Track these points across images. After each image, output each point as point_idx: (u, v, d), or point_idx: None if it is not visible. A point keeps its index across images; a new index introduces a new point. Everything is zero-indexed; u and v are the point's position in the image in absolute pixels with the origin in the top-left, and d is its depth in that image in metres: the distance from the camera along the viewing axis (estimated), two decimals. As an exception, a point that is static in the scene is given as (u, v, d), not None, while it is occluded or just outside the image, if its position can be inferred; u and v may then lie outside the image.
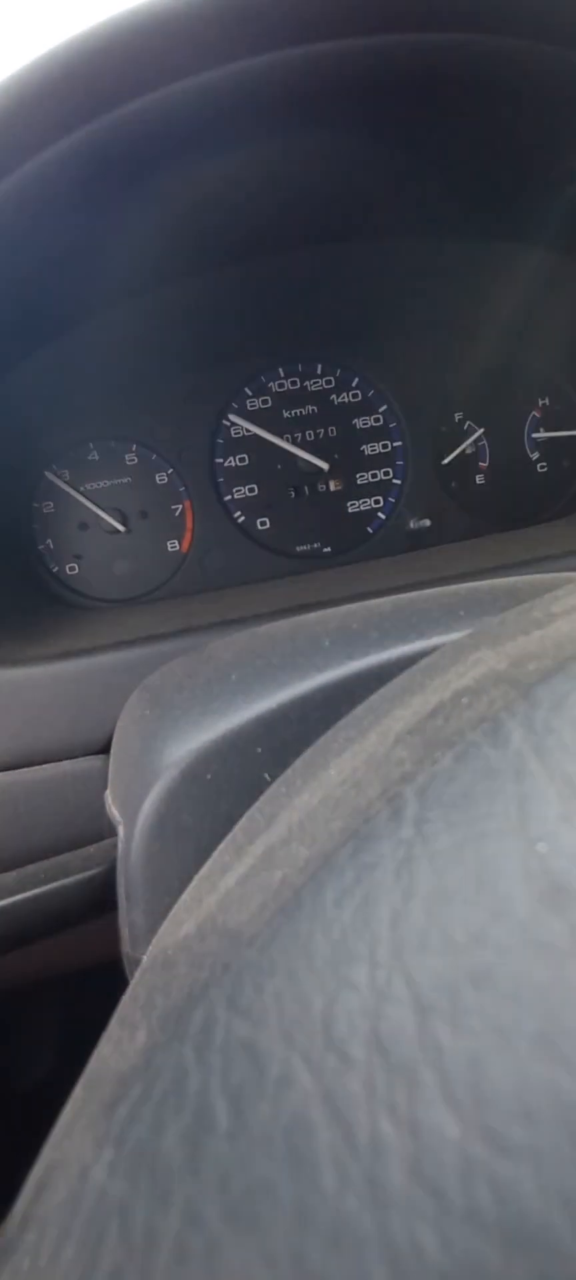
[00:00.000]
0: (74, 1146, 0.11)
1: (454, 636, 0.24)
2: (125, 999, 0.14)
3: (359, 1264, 0.07)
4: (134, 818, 0.25)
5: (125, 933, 0.25)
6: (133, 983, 0.15)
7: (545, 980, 0.08)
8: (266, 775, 0.24)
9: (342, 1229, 0.07)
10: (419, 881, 0.10)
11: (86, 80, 0.35)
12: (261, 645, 0.28)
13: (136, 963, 0.24)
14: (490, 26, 0.37)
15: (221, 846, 0.18)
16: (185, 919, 0.15)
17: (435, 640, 0.24)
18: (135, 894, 0.24)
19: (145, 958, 0.16)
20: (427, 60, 0.39)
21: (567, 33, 0.38)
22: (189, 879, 0.18)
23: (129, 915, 0.25)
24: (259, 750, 0.24)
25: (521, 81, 0.40)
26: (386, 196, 0.54)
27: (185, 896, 0.17)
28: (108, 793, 0.31)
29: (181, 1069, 0.10)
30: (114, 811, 0.28)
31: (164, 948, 0.15)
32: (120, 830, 0.26)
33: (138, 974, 0.15)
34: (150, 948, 0.17)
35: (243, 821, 0.18)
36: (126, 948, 0.25)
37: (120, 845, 0.25)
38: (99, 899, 0.27)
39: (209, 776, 0.24)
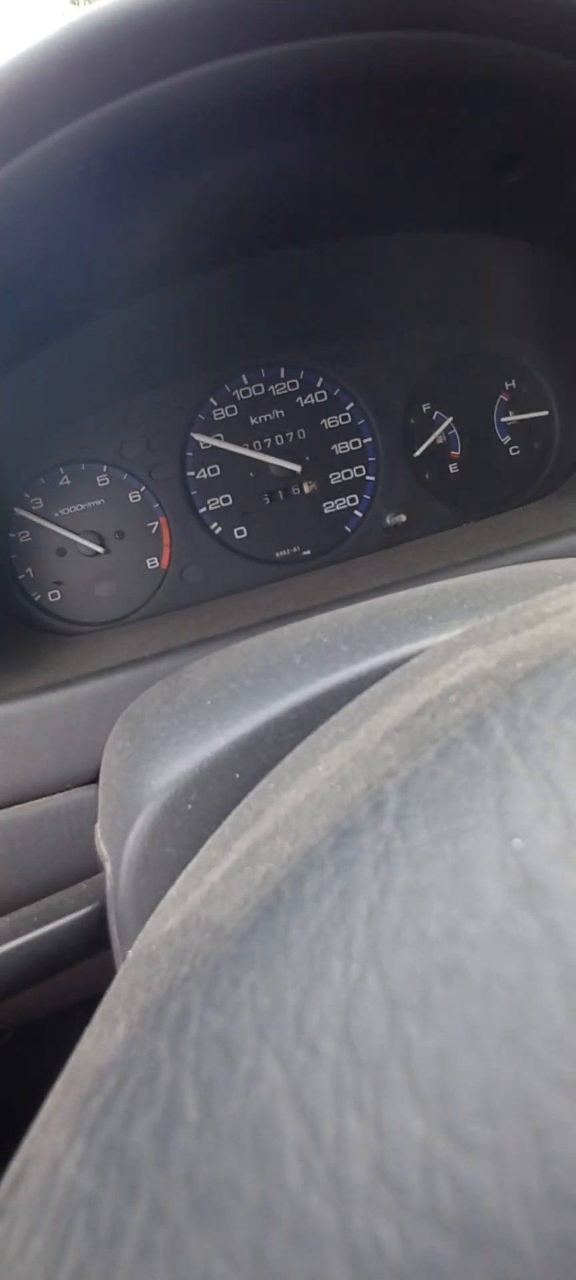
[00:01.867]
0: (49, 1139, 0.11)
1: (422, 644, 0.25)
2: (109, 994, 0.14)
3: (319, 1261, 0.07)
4: (120, 853, 0.25)
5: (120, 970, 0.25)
6: (117, 978, 0.15)
7: (514, 976, 0.08)
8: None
9: (304, 1226, 0.07)
10: (396, 876, 0.10)
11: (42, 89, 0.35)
12: (236, 667, 0.28)
13: None
14: (468, 26, 0.37)
15: (209, 842, 0.18)
16: (170, 914, 0.15)
17: (404, 649, 0.25)
18: (126, 930, 0.25)
19: (131, 952, 0.16)
20: (386, 61, 0.39)
21: (533, 32, 0.38)
22: None
23: (122, 952, 0.25)
24: (237, 775, 0.24)
25: (478, 78, 0.41)
26: (342, 197, 0.54)
27: (172, 892, 0.17)
28: (97, 827, 0.31)
29: (155, 1062, 0.10)
30: (102, 847, 0.28)
31: (148, 943, 0.15)
32: (107, 867, 0.26)
33: (122, 968, 0.15)
34: (136, 943, 0.17)
35: (231, 817, 0.18)
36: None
37: (108, 882, 0.26)
38: (94, 936, 0.27)
39: (190, 806, 0.24)
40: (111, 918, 0.25)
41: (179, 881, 0.18)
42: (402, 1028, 0.08)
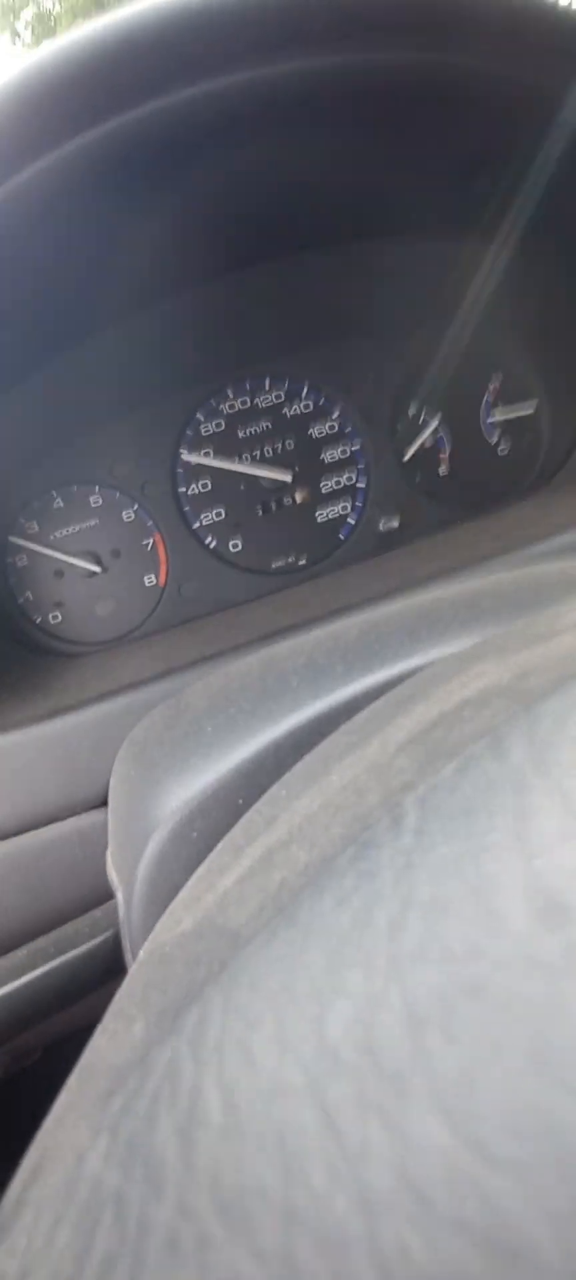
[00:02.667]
0: (68, 1133, 0.11)
1: (417, 661, 0.25)
2: (121, 993, 0.14)
3: (346, 1263, 0.07)
4: (131, 882, 0.26)
5: None
6: (128, 977, 0.15)
7: (538, 996, 0.08)
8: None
9: (331, 1229, 0.07)
10: (417, 891, 0.10)
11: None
12: (234, 690, 0.29)
13: None
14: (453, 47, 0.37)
15: (220, 846, 0.18)
16: (183, 916, 0.16)
17: (399, 667, 0.25)
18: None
19: (142, 952, 0.16)
20: (379, 73, 0.39)
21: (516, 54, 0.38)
22: None
23: None
24: (240, 801, 0.25)
25: (458, 92, 0.41)
26: (324, 208, 0.54)
27: (183, 894, 0.17)
28: (108, 857, 0.32)
29: (176, 1064, 0.10)
30: (113, 876, 0.29)
31: (161, 944, 0.15)
32: (119, 895, 0.27)
33: (134, 968, 0.15)
34: (147, 943, 0.17)
35: (242, 822, 0.18)
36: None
37: (120, 910, 0.26)
38: (109, 964, 0.28)
39: (195, 834, 0.25)
40: (125, 944, 0.26)
41: (190, 884, 0.18)
42: (425, 1041, 0.08)
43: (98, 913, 0.29)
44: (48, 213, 0.40)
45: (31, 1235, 0.10)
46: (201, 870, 0.18)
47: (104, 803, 0.45)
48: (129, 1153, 0.10)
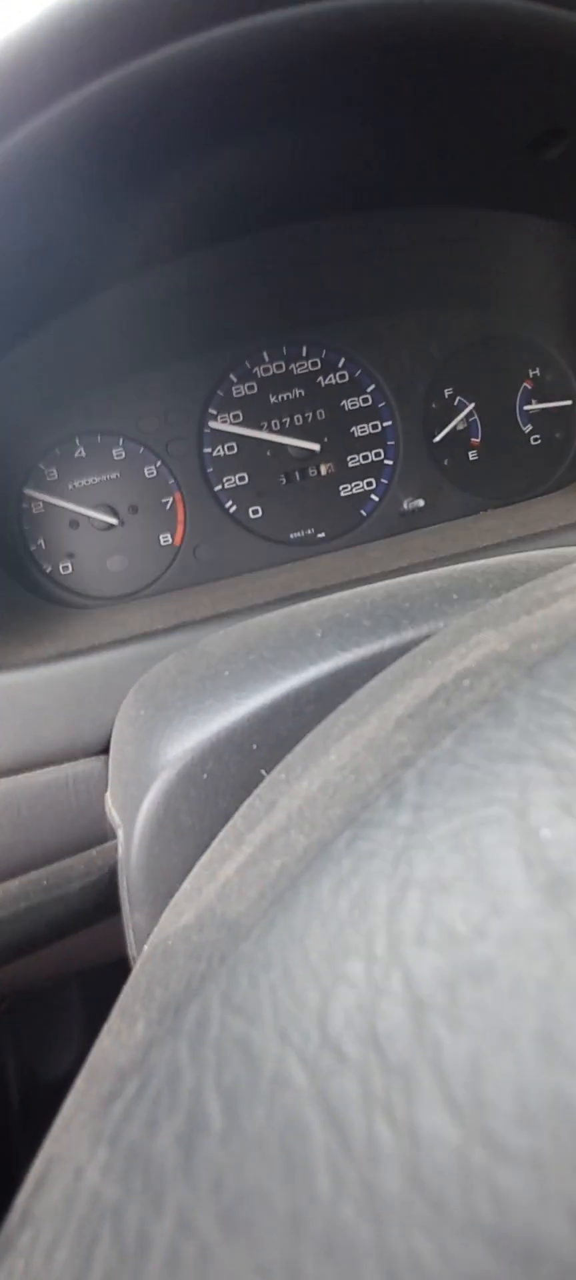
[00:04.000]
0: (71, 1141, 0.11)
1: (446, 623, 0.24)
2: (126, 989, 0.14)
3: (354, 1275, 0.07)
4: (132, 820, 0.25)
5: (130, 935, 0.25)
6: (134, 972, 0.15)
7: (546, 976, 0.08)
8: (263, 771, 0.23)
9: (338, 1238, 0.07)
10: (417, 871, 0.10)
11: (68, 47, 0.34)
12: (254, 639, 0.28)
13: None
14: None
15: (222, 834, 0.18)
16: (185, 908, 0.15)
17: (428, 627, 0.24)
18: (137, 897, 0.24)
19: (147, 947, 0.16)
20: (408, 22, 0.38)
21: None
22: None
23: (132, 918, 0.25)
24: (254, 746, 0.24)
25: (503, 42, 0.40)
26: (367, 169, 0.53)
27: (186, 885, 0.17)
28: (108, 795, 0.31)
29: (176, 1067, 0.10)
30: (114, 815, 0.28)
31: (164, 937, 0.15)
32: (120, 833, 0.26)
33: (139, 963, 0.15)
34: (152, 936, 0.16)
35: (243, 808, 0.18)
36: (131, 950, 0.25)
37: (120, 849, 0.25)
38: (103, 903, 0.27)
39: (205, 775, 0.24)
40: (122, 883, 0.25)
41: (192, 875, 0.17)
42: (432, 1030, 0.08)
43: (94, 852, 0.28)
44: (69, 157, 0.38)
45: (32, 1253, 0.09)
46: (204, 859, 0.18)
47: (103, 750, 0.44)
48: (128, 1164, 0.09)
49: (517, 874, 0.09)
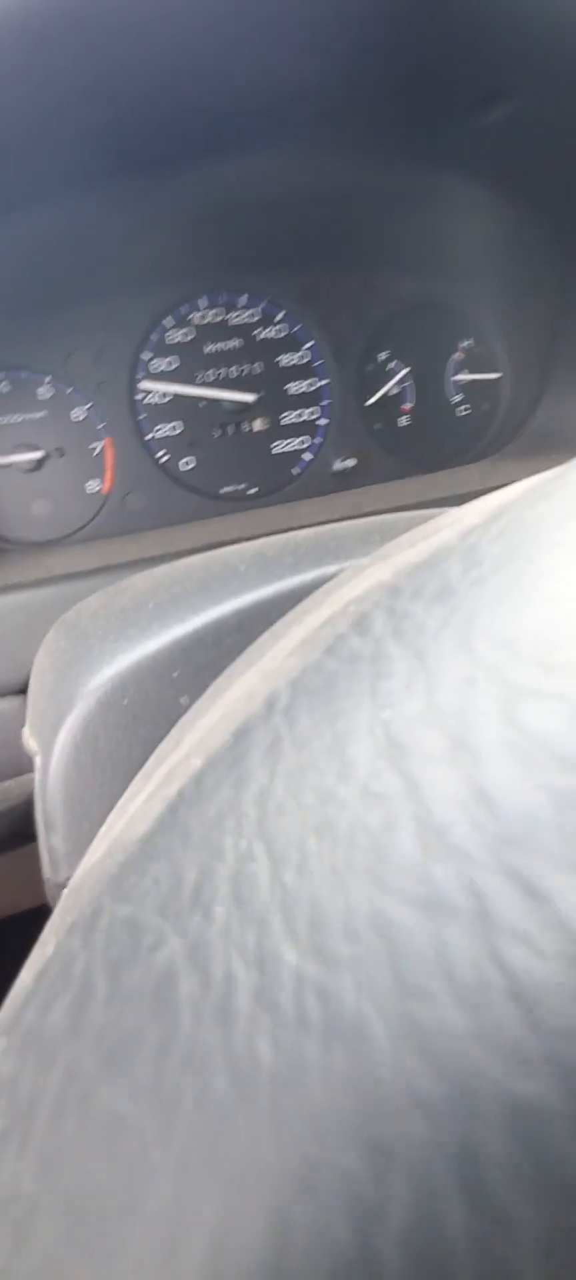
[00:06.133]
0: None
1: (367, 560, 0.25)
2: (44, 930, 0.15)
3: (205, 1078, 0.08)
4: (50, 746, 0.25)
5: (45, 858, 0.25)
6: (53, 915, 0.15)
7: (376, 824, 0.09)
8: (183, 699, 0.24)
9: (194, 1054, 0.08)
10: (282, 761, 0.11)
11: None
12: (179, 575, 0.28)
13: (57, 886, 0.24)
14: None
15: (136, 777, 0.18)
16: (98, 848, 0.16)
17: (351, 564, 0.25)
18: (53, 821, 0.24)
19: (64, 891, 0.16)
20: None
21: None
22: (107, 802, 0.18)
23: (48, 841, 0.25)
24: (175, 674, 0.24)
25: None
26: (310, 98, 0.52)
27: (102, 829, 0.17)
28: (25, 728, 0.30)
29: (70, 956, 0.11)
30: (31, 743, 0.27)
31: (79, 875, 0.15)
32: (37, 760, 0.26)
33: (57, 906, 0.16)
34: (71, 880, 0.17)
35: (156, 752, 0.18)
36: (47, 873, 0.25)
37: (37, 775, 0.25)
38: (17, 831, 0.27)
39: (126, 702, 0.24)
40: (39, 808, 0.25)
41: (107, 822, 0.18)
42: (281, 880, 0.09)
43: (10, 783, 0.28)
44: None
45: None
46: (119, 803, 0.18)
47: (21, 690, 0.43)
48: (24, 1043, 0.10)
49: (361, 747, 0.10)
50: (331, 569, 0.24)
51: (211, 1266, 0.07)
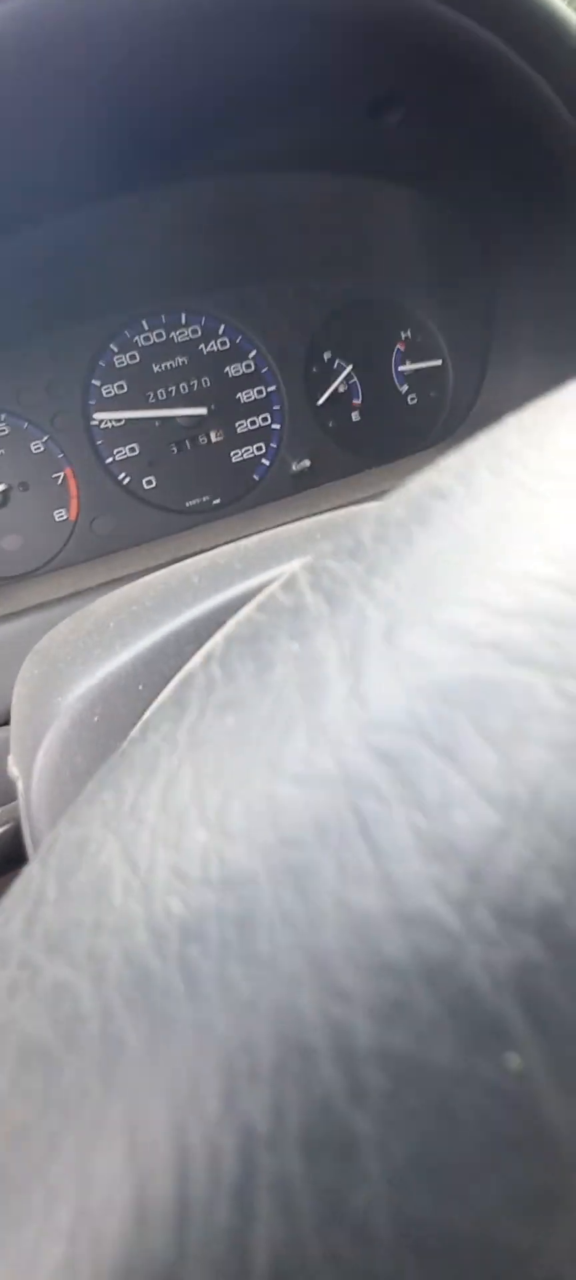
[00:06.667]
0: None
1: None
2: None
3: (128, 939, 0.10)
4: (31, 770, 0.26)
5: None
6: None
7: (278, 728, 0.11)
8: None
9: (120, 924, 0.10)
10: (212, 696, 0.12)
11: None
12: (137, 594, 0.30)
13: None
14: None
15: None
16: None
17: (296, 563, 0.27)
18: (40, 839, 0.26)
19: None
20: None
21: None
22: None
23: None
24: (140, 687, 0.26)
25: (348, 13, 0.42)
26: (230, 125, 0.54)
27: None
28: (9, 757, 0.32)
29: (29, 879, 0.13)
30: (14, 770, 0.29)
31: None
32: (19, 785, 0.27)
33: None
34: None
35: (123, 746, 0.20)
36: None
37: (21, 799, 0.27)
38: (8, 855, 0.28)
39: (96, 719, 0.25)
40: (25, 829, 0.26)
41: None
42: (200, 785, 0.11)
43: (0, 810, 0.29)
44: None
45: None
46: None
47: (4, 722, 0.44)
48: None
49: (275, 675, 0.12)
50: (275, 571, 0.26)
51: (135, 1091, 0.09)
